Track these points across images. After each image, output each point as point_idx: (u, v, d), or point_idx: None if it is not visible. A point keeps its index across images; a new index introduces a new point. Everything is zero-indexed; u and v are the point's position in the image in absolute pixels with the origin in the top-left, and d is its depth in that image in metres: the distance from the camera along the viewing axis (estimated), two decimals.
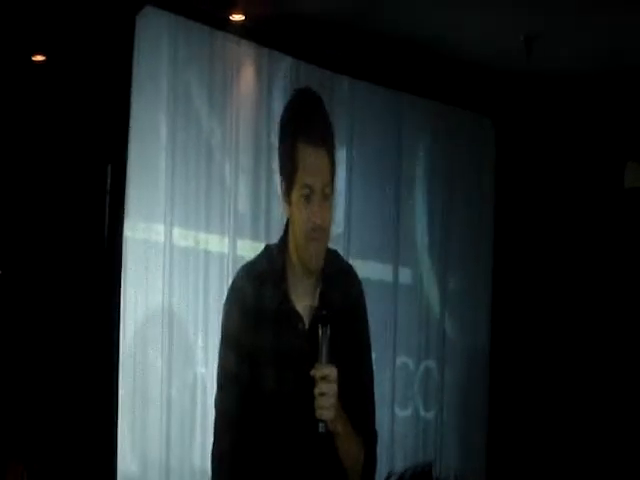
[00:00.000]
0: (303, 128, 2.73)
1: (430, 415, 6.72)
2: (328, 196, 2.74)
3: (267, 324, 2.77)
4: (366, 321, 2.93)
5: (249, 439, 2.77)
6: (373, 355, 2.97)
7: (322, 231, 2.74)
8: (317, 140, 2.71)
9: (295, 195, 2.74)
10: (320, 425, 2.63)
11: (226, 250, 5.47)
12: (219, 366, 2.82)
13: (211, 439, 2.85)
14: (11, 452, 4.65)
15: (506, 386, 6.98)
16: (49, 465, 4.67)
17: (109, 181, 4.92)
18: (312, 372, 2.64)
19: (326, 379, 2.62)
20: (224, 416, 2.79)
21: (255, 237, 5.54)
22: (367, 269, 6.23)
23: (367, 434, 2.85)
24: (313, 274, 2.79)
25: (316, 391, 2.62)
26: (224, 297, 2.89)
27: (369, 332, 2.93)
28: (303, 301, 2.80)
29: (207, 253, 5.40)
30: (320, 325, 2.68)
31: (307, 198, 2.71)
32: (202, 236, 5.38)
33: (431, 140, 6.81)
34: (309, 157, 2.70)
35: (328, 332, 2.66)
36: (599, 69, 6.32)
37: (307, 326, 2.77)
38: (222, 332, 2.83)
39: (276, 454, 2.80)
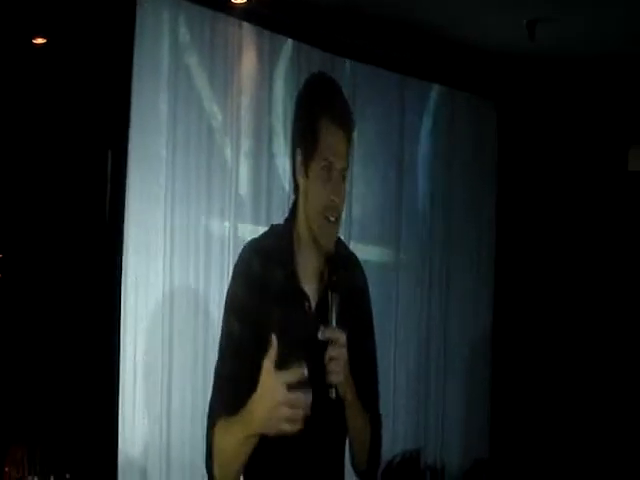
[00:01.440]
0: (327, 107, 2.72)
1: (431, 401, 6.72)
2: (345, 178, 2.74)
3: (273, 300, 2.73)
4: (369, 305, 2.92)
5: (245, 397, 2.66)
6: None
7: (336, 211, 2.72)
8: (339, 121, 2.71)
9: (314, 168, 2.72)
10: (330, 390, 2.60)
11: (227, 233, 5.44)
12: (222, 334, 2.77)
13: None
14: (12, 436, 4.66)
15: (508, 371, 6.99)
16: (50, 449, 4.68)
17: (110, 166, 4.90)
18: (320, 335, 2.62)
19: (336, 343, 2.60)
20: (223, 379, 2.73)
21: (256, 220, 5.52)
22: (368, 252, 6.22)
23: (373, 413, 2.84)
24: (322, 254, 2.77)
25: (326, 356, 2.60)
26: (225, 280, 2.86)
27: (372, 316, 2.92)
28: (310, 281, 2.77)
29: (208, 236, 5.37)
30: (330, 290, 2.67)
31: (328, 171, 2.70)
32: (203, 219, 5.35)
33: (433, 123, 6.78)
34: (331, 136, 2.70)
35: (338, 298, 2.66)
36: (602, 52, 6.30)
37: (314, 307, 2.75)
38: (227, 300, 2.78)
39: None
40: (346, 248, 2.95)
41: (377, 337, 2.96)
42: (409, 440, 6.45)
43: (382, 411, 2.94)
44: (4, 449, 4.58)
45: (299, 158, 2.76)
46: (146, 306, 4.99)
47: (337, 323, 2.64)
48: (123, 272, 4.88)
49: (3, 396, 4.73)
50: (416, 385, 6.60)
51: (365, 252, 6.10)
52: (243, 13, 5.47)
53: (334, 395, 2.61)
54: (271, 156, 5.62)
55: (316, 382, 2.52)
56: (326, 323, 2.64)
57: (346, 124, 2.74)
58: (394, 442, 6.24)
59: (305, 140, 2.74)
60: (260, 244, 2.82)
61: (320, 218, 2.72)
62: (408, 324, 6.57)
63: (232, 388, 2.67)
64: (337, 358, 2.60)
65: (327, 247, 2.75)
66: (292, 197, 2.87)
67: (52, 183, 4.96)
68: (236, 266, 2.80)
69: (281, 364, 2.56)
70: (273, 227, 2.90)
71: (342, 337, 2.61)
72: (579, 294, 6.87)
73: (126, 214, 4.91)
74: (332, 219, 2.72)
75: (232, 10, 5.41)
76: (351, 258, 2.94)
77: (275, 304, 2.72)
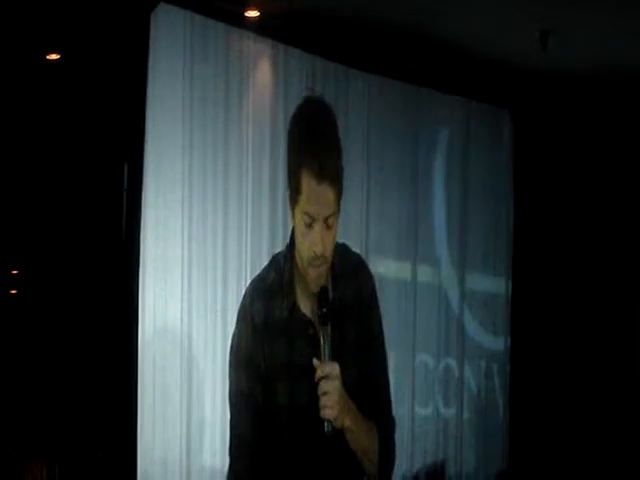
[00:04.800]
0: (308, 159, 2.61)
1: (450, 413, 6.68)
2: (331, 227, 2.65)
3: (279, 336, 2.73)
4: (378, 310, 2.87)
5: (267, 459, 2.74)
6: (392, 353, 2.95)
7: (323, 259, 2.68)
8: (324, 174, 2.60)
9: (297, 217, 2.67)
10: (325, 425, 2.58)
11: (244, 246, 5.44)
12: (231, 390, 2.78)
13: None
14: (31, 451, 4.65)
15: (526, 384, 6.94)
16: (69, 464, 4.66)
17: (126, 178, 4.89)
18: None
19: (328, 377, 2.58)
20: (240, 439, 2.74)
21: (273, 234, 5.52)
22: (385, 267, 6.20)
23: (381, 420, 2.80)
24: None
25: (319, 391, 2.58)
26: (242, 293, 2.86)
27: (381, 321, 2.87)
28: (312, 306, 2.75)
29: (225, 250, 5.36)
30: (320, 323, 2.65)
31: (309, 226, 2.64)
32: (220, 233, 5.34)
33: (449, 135, 6.77)
34: (313, 189, 2.61)
35: (329, 330, 2.63)
36: (617, 62, 6.28)
37: (318, 330, 2.74)
38: (233, 354, 2.79)
39: (296, 467, 2.75)
40: (350, 255, 2.89)
41: (395, 351, 2.94)
42: (429, 453, 6.41)
43: (399, 422, 2.91)
44: (23, 464, 4.58)
45: (288, 195, 2.73)
46: (164, 319, 4.98)
47: (329, 355, 2.61)
48: (140, 287, 4.87)
49: (22, 411, 4.72)
50: (435, 398, 6.56)
51: (382, 267, 6.07)
52: (257, 27, 5.48)
53: (330, 429, 2.59)
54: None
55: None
56: (319, 357, 2.61)
57: (330, 172, 2.62)
58: (413, 453, 6.20)
59: (290, 183, 2.68)
60: (261, 283, 2.81)
61: (307, 265, 2.70)
62: (426, 337, 6.53)
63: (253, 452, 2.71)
64: (330, 392, 2.58)
65: (316, 289, 2.72)
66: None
67: (68, 198, 4.97)
68: (239, 315, 2.80)
69: (290, 393, 2.62)
70: (274, 257, 2.88)
71: (335, 370, 2.59)
72: (596, 304, 6.83)
73: (142, 228, 4.91)
74: (317, 265, 2.68)
75: (245, 23, 5.43)
76: (355, 266, 2.87)
77: (281, 339, 2.73)
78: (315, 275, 2.70)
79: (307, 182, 2.61)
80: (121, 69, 4.91)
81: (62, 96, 4.98)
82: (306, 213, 2.64)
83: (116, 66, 4.89)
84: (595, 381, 6.75)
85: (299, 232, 2.69)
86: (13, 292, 5.01)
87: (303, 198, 2.63)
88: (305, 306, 2.76)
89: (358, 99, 6.10)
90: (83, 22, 4.92)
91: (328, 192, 2.62)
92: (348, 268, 2.83)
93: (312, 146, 2.64)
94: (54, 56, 5.05)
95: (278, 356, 2.73)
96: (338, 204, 2.67)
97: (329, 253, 2.69)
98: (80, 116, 4.98)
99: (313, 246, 2.65)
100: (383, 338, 2.87)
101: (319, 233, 2.64)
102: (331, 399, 2.57)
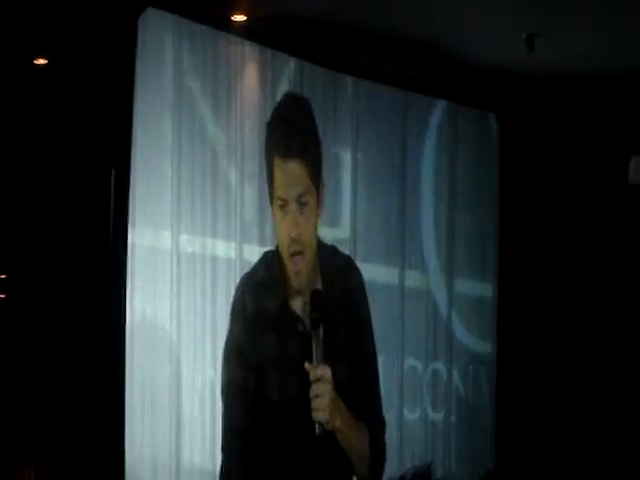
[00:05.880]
0: (279, 141, 2.66)
1: (438, 416, 6.69)
2: (306, 207, 2.68)
3: (270, 332, 2.76)
4: (367, 310, 2.88)
5: (259, 451, 2.76)
6: (381, 357, 2.96)
7: (301, 244, 2.69)
8: (291, 152, 2.64)
9: (275, 208, 2.71)
10: (317, 426, 2.60)
11: (233, 255, 5.44)
12: (224, 383, 2.79)
13: (219, 440, 2.83)
14: (20, 455, 4.65)
15: (513, 387, 6.97)
16: (58, 467, 4.66)
17: (113, 184, 4.89)
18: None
19: (320, 380, 2.60)
20: (232, 431, 2.76)
21: (262, 242, 5.52)
22: (373, 272, 6.20)
23: (372, 421, 2.82)
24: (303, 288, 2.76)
25: (311, 393, 2.59)
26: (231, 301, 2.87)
27: (371, 321, 2.89)
28: (302, 302, 2.77)
29: (214, 258, 5.37)
30: (312, 327, 2.65)
31: (282, 210, 2.67)
32: (209, 241, 5.36)
33: (435, 138, 6.79)
34: (282, 170, 2.65)
35: (320, 333, 2.64)
36: (602, 65, 6.31)
37: (308, 327, 2.75)
38: (227, 349, 2.80)
39: (287, 462, 2.77)
40: (339, 256, 2.90)
41: (384, 355, 2.95)
42: (417, 456, 6.42)
43: (388, 425, 2.92)
44: (12, 468, 4.57)
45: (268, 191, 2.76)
46: (153, 319, 4.98)
47: (321, 358, 2.62)
48: (129, 289, 4.88)
49: (10, 416, 4.71)
50: (423, 401, 6.56)
51: (370, 271, 6.07)
52: (244, 31, 5.49)
53: (321, 430, 2.60)
54: None
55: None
56: (310, 357, 2.62)
57: (303, 149, 2.66)
58: (401, 456, 6.21)
59: (268, 180, 2.73)
60: (252, 279, 2.83)
61: (287, 255, 2.71)
62: (414, 342, 6.54)
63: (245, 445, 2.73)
64: (322, 395, 2.59)
65: (299, 285, 2.74)
66: None
67: (56, 202, 4.96)
68: (231, 312, 2.82)
69: (280, 389, 2.65)
70: (265, 255, 2.89)
71: (327, 373, 2.60)
72: (582, 308, 6.86)
73: (132, 236, 4.92)
74: (297, 252, 2.69)
75: (233, 28, 5.44)
76: (345, 266, 2.88)
77: (272, 336, 2.75)
78: (294, 270, 2.71)
79: (278, 165, 2.66)
80: (109, 74, 4.91)
81: (49, 100, 4.97)
82: (279, 197, 2.67)
83: (104, 71, 4.89)
84: (581, 383, 6.79)
85: (277, 222, 2.71)
86: (1, 296, 5.00)
87: (276, 184, 2.67)
88: (295, 303, 2.77)
89: (345, 103, 6.12)
90: (71, 27, 4.92)
91: (297, 169, 2.65)
92: (337, 268, 2.84)
93: (281, 129, 2.69)
94: (42, 61, 5.05)
95: (269, 350, 2.75)
96: (313, 184, 2.69)
97: (306, 238, 2.70)
98: (67, 120, 4.98)
99: (288, 229, 2.67)
100: (373, 336, 2.88)
101: (293, 215, 2.66)
102: (323, 402, 2.59)
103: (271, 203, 2.73)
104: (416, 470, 6.19)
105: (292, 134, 2.66)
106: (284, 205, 2.67)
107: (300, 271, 2.72)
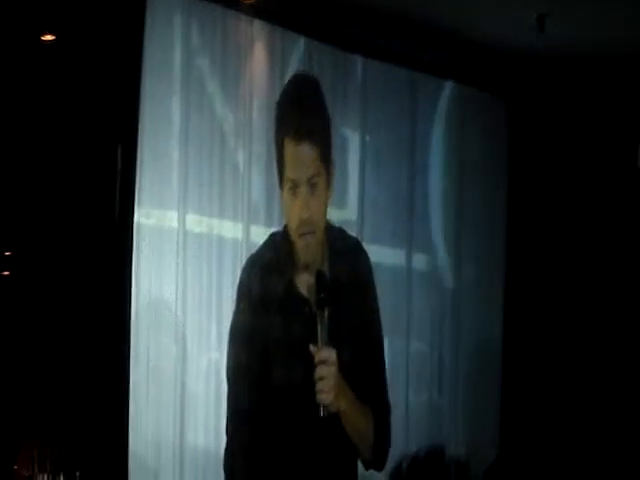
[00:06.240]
0: (289, 123, 2.66)
1: (444, 400, 6.68)
2: (316, 189, 2.68)
3: (275, 314, 2.76)
4: (374, 294, 2.90)
5: (264, 433, 2.76)
6: (387, 340, 2.95)
7: (311, 225, 2.69)
8: (302, 134, 2.64)
9: (285, 190, 2.71)
10: (321, 409, 2.60)
11: (240, 236, 5.42)
12: (229, 364, 2.80)
13: (224, 422, 2.82)
14: (22, 435, 4.65)
15: (518, 371, 6.95)
16: (60, 448, 4.65)
17: (119, 162, 4.87)
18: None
19: (325, 362, 2.60)
20: (236, 413, 2.77)
21: (269, 223, 5.49)
22: (380, 254, 6.18)
23: (377, 404, 2.82)
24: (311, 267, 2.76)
25: (315, 375, 2.60)
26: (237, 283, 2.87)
27: (378, 304, 2.89)
28: (308, 284, 2.76)
29: (221, 239, 5.35)
30: (318, 308, 2.65)
31: (293, 192, 2.67)
32: (215, 222, 5.34)
33: (444, 122, 6.75)
34: (292, 152, 2.65)
35: (326, 315, 2.64)
36: (612, 48, 6.26)
37: (314, 309, 2.73)
38: (232, 330, 2.81)
39: (291, 444, 2.78)
40: (347, 238, 2.91)
41: (390, 338, 2.94)
42: (423, 440, 6.40)
43: (394, 409, 2.90)
44: (15, 448, 4.56)
45: (277, 172, 2.76)
46: (158, 298, 4.98)
47: (326, 340, 2.62)
48: (134, 267, 4.88)
49: (14, 395, 4.71)
50: (429, 385, 6.55)
51: (377, 254, 6.04)
52: (254, 9, 5.44)
53: (325, 413, 2.61)
54: None
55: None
56: (315, 339, 2.62)
57: (313, 132, 2.66)
58: (407, 440, 6.20)
59: (277, 162, 2.73)
60: (258, 259, 2.84)
61: (297, 236, 2.72)
62: (420, 324, 6.52)
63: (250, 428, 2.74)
64: (326, 377, 2.59)
65: (309, 260, 2.74)
66: None
67: (61, 181, 4.94)
68: (239, 289, 2.83)
69: (286, 370, 2.67)
70: (272, 236, 2.90)
71: (332, 355, 2.61)
72: (590, 293, 6.84)
73: (138, 215, 4.90)
74: (307, 232, 2.69)
75: (242, 5, 5.38)
76: (352, 248, 2.89)
77: (278, 317, 2.76)
78: (303, 245, 2.71)
79: (288, 147, 2.66)
80: (117, 52, 4.88)
81: (56, 77, 4.94)
82: (290, 179, 2.67)
83: (111, 47, 4.86)
84: (589, 370, 6.76)
85: (287, 204, 2.71)
86: (6, 274, 4.99)
87: (287, 166, 2.67)
88: (302, 284, 2.77)
89: (354, 85, 6.08)
90: (78, 3, 4.88)
91: (308, 151, 2.65)
92: (345, 248, 2.84)
93: (291, 111, 2.68)
94: (49, 37, 5.01)
95: (274, 332, 2.75)
96: (324, 165, 2.70)
97: (317, 220, 2.70)
98: (74, 97, 4.94)
99: (299, 211, 2.67)
100: (379, 320, 2.88)
101: (304, 197, 2.67)
102: (327, 384, 2.59)
103: (280, 185, 2.73)
104: (429, 450, 6.22)
105: (302, 116, 2.66)
106: (295, 187, 2.67)
107: (309, 244, 2.72)
